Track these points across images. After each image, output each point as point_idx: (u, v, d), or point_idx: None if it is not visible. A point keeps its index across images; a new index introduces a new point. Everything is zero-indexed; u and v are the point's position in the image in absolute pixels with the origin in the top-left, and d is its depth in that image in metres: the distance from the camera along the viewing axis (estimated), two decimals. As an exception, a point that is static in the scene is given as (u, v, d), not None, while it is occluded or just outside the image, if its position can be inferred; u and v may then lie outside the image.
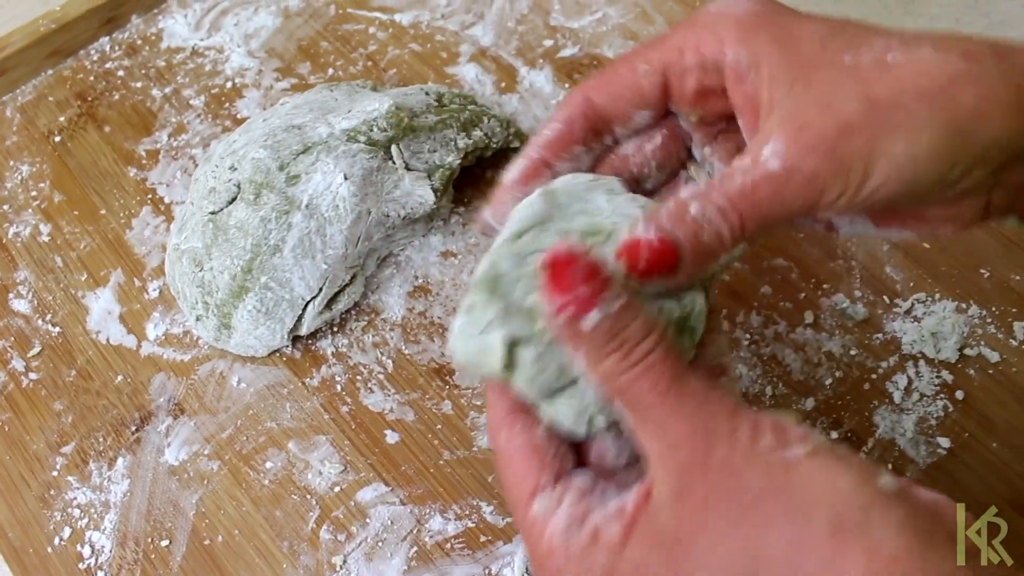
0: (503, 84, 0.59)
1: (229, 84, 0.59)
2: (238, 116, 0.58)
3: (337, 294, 0.50)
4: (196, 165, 0.56)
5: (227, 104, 0.58)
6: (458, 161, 0.51)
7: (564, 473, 0.31)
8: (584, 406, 0.31)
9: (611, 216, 0.32)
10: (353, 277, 0.50)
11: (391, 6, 0.64)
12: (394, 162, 0.49)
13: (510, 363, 0.30)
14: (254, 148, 0.48)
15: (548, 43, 0.61)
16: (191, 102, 0.59)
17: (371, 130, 0.49)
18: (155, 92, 0.60)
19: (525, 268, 0.31)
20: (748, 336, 0.49)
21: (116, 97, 0.59)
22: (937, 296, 0.51)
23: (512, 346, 0.30)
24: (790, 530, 0.26)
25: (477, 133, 0.52)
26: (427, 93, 0.53)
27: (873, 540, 0.25)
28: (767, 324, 0.50)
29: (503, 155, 0.56)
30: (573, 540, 0.29)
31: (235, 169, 0.48)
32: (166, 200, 0.55)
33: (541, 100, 0.58)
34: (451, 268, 0.52)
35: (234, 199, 0.48)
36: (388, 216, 0.49)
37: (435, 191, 0.50)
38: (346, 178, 0.48)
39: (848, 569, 0.25)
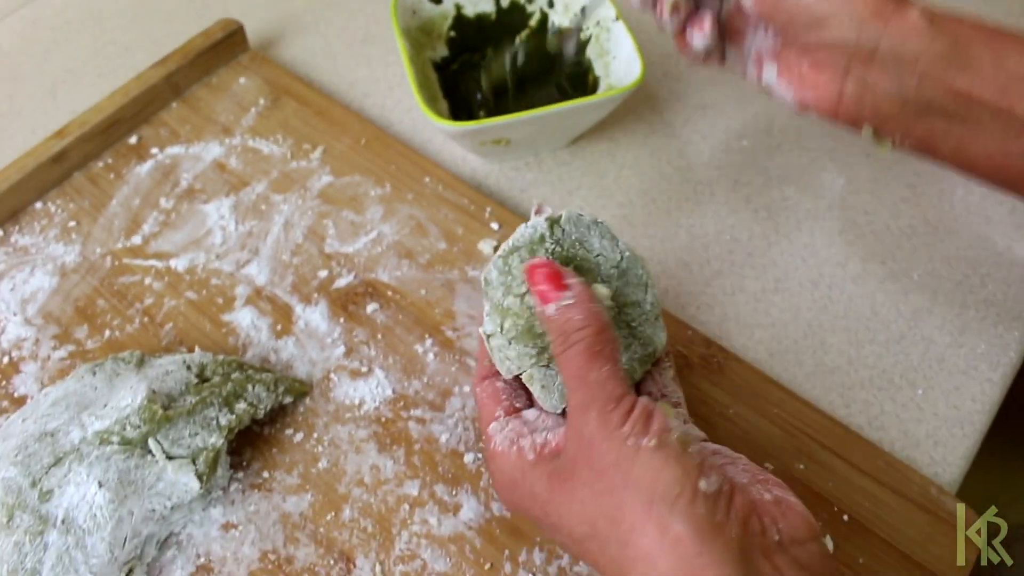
0: (279, 327, 0.59)
1: (6, 359, 0.58)
2: (15, 395, 0.56)
3: (114, 594, 0.49)
4: (-28, 457, 0.54)
5: (4, 382, 0.57)
6: (222, 440, 0.51)
7: (514, 410, 0.45)
8: (551, 389, 0.44)
9: (599, 255, 0.45)
10: (131, 571, 0.49)
11: (166, 251, 0.63)
12: (154, 455, 0.49)
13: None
14: (5, 465, 0.47)
15: (323, 274, 0.61)
16: (-33, 384, 0.57)
17: (124, 429, 0.48)
18: (-70, 377, 0.58)
19: (507, 277, 0.43)
20: (531, 574, 0.50)
21: None
22: None
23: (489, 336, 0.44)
24: (622, 497, 0.35)
25: (240, 406, 0.52)
26: (189, 367, 0.52)
27: (665, 521, 0.34)
28: (549, 560, 0.50)
29: (280, 410, 0.56)
30: (507, 452, 0.42)
31: (-11, 488, 0.47)
32: (-57, 500, 0.54)
33: (317, 340, 0.58)
34: (232, 541, 0.51)
35: (-10, 520, 0.47)
36: (154, 510, 0.49)
37: (200, 476, 0.49)
38: (101, 485, 0.47)
39: (646, 536, 0.34)
